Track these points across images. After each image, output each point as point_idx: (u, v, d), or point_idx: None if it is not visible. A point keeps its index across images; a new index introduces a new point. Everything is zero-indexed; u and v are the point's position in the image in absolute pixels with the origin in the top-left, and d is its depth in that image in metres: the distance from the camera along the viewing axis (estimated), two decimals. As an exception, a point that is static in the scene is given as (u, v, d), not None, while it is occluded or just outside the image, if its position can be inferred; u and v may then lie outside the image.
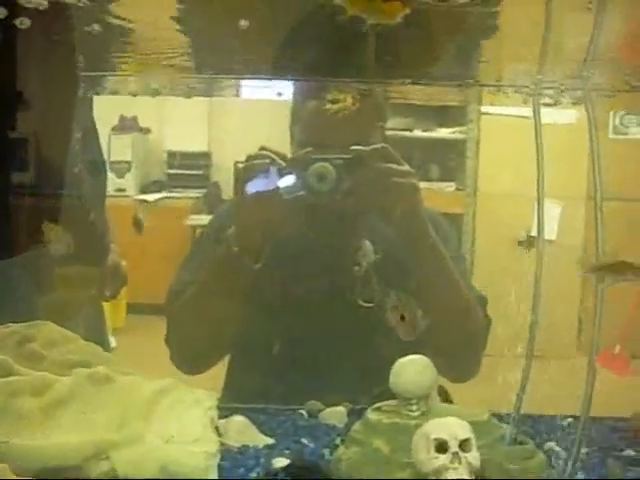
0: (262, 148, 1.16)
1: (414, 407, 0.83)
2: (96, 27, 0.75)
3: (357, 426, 0.86)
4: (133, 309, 3.80)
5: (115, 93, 1.11)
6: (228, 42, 0.86)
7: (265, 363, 1.28)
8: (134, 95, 1.07)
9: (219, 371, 1.34)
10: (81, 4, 0.63)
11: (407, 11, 0.61)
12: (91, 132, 1.23)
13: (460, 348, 1.24)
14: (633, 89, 0.84)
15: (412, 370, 0.84)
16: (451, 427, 0.70)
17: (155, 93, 1.08)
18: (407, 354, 0.87)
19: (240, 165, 1.16)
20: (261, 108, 3.66)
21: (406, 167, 1.18)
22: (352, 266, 1.17)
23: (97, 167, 1.29)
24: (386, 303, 1.03)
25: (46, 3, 0.66)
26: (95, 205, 1.24)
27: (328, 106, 1.11)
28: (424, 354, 0.94)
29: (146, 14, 0.75)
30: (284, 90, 1.22)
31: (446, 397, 0.98)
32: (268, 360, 1.27)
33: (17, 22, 0.71)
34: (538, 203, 0.98)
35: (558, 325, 3.57)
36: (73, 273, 1.16)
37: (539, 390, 1.03)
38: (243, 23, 0.69)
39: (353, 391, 1.11)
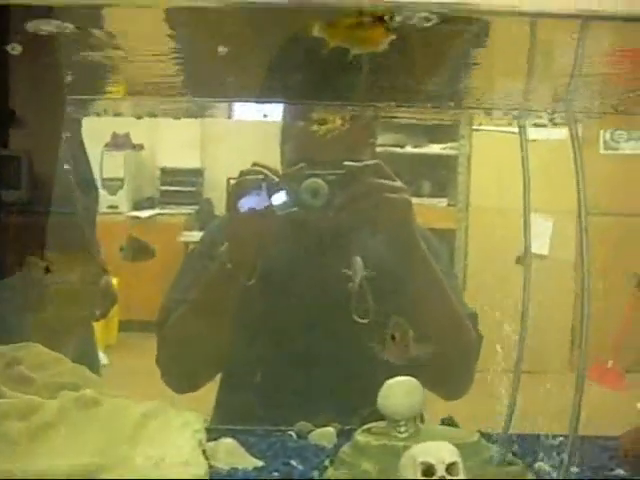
0: (255, 164, 1.17)
1: (402, 429, 0.83)
2: (86, 52, 0.76)
3: (346, 448, 0.86)
4: (125, 326, 3.79)
5: (106, 115, 1.11)
6: (218, 66, 0.87)
7: (256, 382, 1.27)
8: (138, 118, 1.07)
9: (211, 390, 1.33)
10: (68, 31, 0.64)
11: (392, 37, 0.61)
12: (80, 152, 1.23)
13: (452, 365, 1.24)
14: (618, 112, 0.85)
15: (400, 391, 0.84)
16: (438, 451, 0.70)
17: (150, 115, 1.09)
18: (399, 373, 0.87)
19: (233, 181, 1.16)
20: (253, 126, 3.68)
21: (399, 183, 1.19)
22: (346, 282, 1.18)
23: (88, 186, 1.29)
24: (379, 324, 1.03)
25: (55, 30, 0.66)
26: (87, 225, 1.25)
27: (316, 127, 1.12)
28: (416, 370, 0.94)
29: (135, 38, 0.76)
30: (275, 111, 1.22)
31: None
32: (259, 379, 1.27)
33: (9, 48, 0.72)
34: (524, 220, 0.99)
35: (551, 340, 3.57)
36: (64, 293, 1.16)
37: (532, 407, 1.03)
38: (221, 50, 0.69)
39: (346, 411, 1.11)
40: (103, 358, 3.78)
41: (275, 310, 1.26)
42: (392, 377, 0.87)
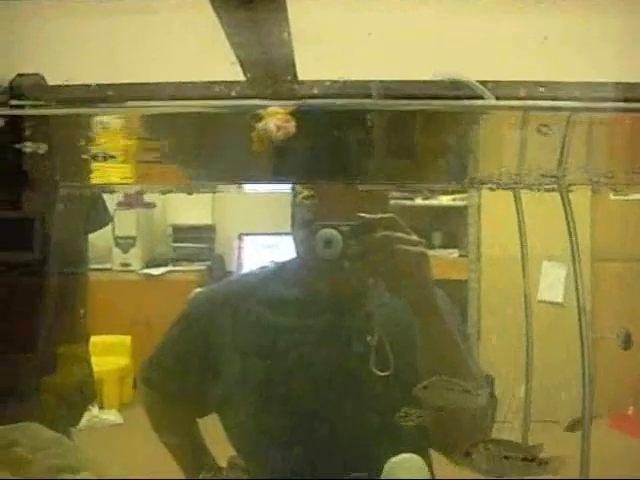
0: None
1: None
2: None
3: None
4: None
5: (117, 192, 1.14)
6: (230, 151, 0.89)
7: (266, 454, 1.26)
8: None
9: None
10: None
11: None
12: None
13: (465, 428, 1.22)
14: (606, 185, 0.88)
15: (404, 470, 0.83)
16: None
17: (164, 193, 1.10)
18: (410, 438, 0.86)
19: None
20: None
21: (415, 237, 1.17)
22: (364, 335, 1.17)
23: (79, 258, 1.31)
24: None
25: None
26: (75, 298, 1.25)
27: None
28: (429, 434, 0.91)
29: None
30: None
31: None
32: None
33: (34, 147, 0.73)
34: (522, 268, 0.98)
35: (567, 388, 3.49)
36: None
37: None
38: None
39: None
40: (117, 417, 3.76)
41: (291, 362, 1.26)
42: (402, 444, 0.86)
